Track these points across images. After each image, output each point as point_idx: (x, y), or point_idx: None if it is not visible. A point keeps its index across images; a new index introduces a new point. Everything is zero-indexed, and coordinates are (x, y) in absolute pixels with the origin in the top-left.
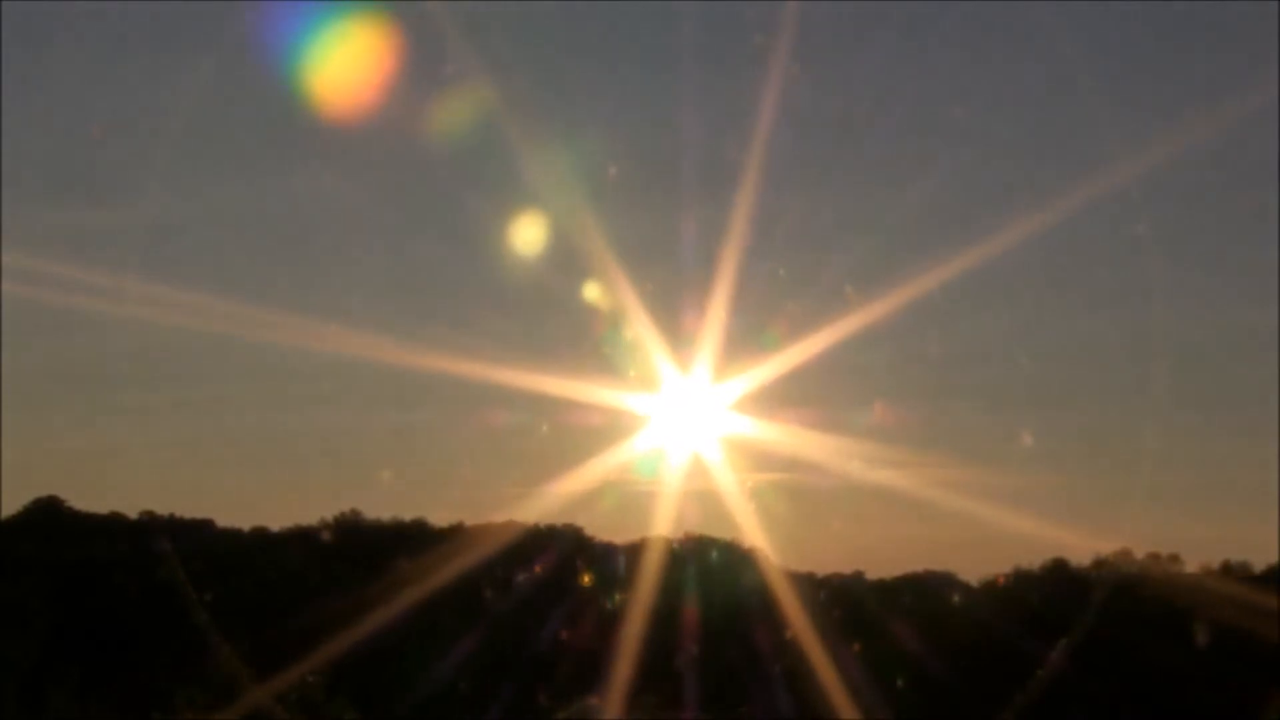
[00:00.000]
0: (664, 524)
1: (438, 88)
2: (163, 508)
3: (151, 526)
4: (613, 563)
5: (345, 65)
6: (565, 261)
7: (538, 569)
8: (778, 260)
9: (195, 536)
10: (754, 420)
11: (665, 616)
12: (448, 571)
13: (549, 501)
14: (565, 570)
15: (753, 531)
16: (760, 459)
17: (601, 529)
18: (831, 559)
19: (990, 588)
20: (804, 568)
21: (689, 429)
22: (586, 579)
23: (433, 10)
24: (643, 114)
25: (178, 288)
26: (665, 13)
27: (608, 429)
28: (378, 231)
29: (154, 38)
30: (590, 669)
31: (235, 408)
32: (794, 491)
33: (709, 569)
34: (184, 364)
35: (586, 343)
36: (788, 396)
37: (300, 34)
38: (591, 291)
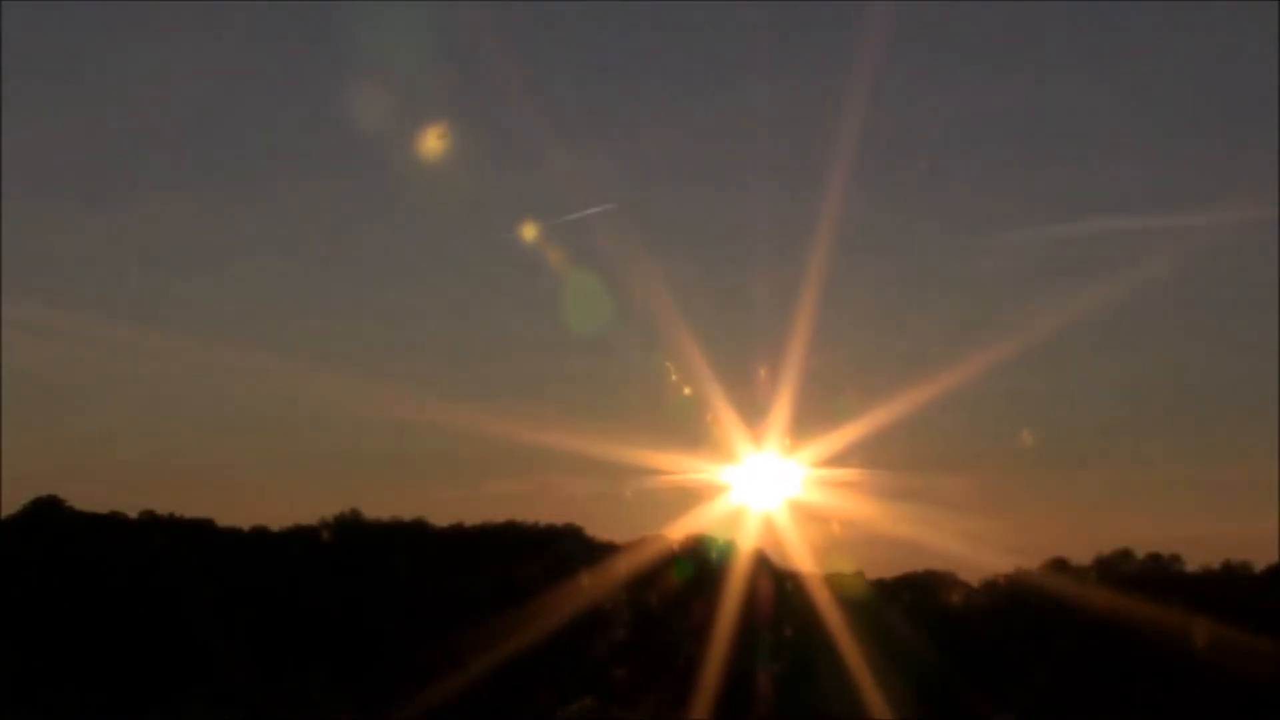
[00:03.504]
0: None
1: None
2: (163, 508)
3: (151, 526)
4: (612, 564)
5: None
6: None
7: (537, 569)
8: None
9: (195, 536)
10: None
11: (672, 618)
12: (446, 571)
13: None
14: (566, 570)
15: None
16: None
17: (602, 529)
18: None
19: (990, 588)
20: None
21: (760, 496)
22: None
23: None
24: (715, 187)
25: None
26: (734, 81)
27: (681, 498)
28: (447, 297)
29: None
30: (588, 669)
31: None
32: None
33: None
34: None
35: (661, 412)
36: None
37: None
38: (663, 361)
